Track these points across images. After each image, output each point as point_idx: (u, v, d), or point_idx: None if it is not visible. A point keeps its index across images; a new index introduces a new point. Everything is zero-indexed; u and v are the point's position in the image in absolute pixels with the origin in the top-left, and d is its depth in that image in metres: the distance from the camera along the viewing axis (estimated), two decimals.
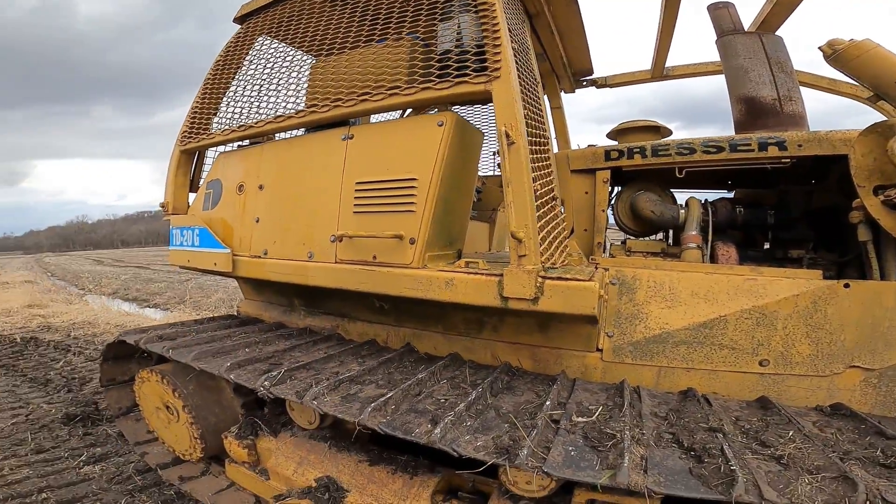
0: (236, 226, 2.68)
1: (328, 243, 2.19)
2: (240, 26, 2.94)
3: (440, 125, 1.92)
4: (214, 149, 3.03)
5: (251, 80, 2.73)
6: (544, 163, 1.97)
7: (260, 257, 2.49)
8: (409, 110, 2.95)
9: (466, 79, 1.83)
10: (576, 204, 2.50)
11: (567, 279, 1.59)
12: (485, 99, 1.83)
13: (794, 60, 2.51)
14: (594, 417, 1.50)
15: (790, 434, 1.41)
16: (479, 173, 3.64)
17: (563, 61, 3.27)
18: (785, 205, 2.33)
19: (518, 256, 1.64)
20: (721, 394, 1.81)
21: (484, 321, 2.15)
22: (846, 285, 1.75)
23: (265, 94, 2.61)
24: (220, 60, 2.94)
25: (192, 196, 3.12)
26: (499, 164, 4.17)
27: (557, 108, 3.82)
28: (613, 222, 2.57)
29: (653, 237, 2.56)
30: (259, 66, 2.71)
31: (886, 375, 1.69)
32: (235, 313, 3.38)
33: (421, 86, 1.94)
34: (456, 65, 1.87)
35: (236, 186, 2.69)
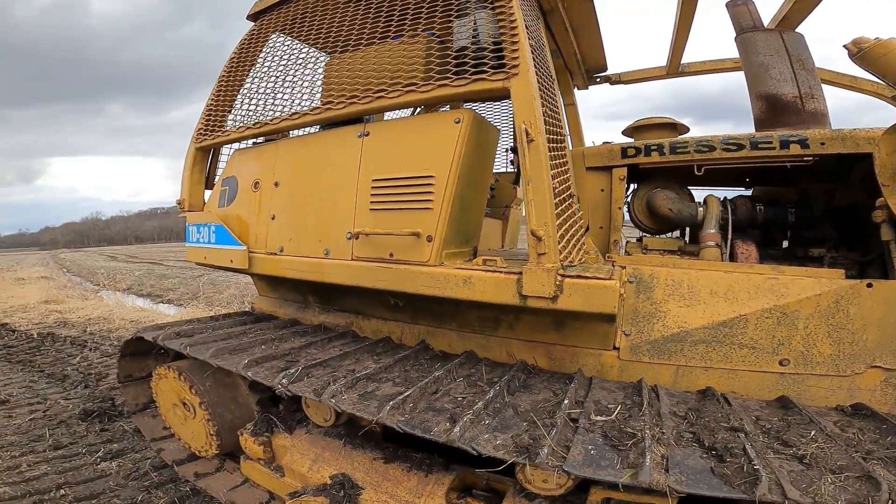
0: (252, 223, 2.69)
1: (344, 241, 2.19)
2: (253, 23, 2.95)
3: (457, 122, 1.91)
4: (229, 146, 3.05)
5: (265, 78, 2.74)
6: (561, 160, 1.95)
7: (276, 254, 2.50)
8: (419, 108, 2.95)
9: (484, 76, 1.82)
10: (591, 201, 2.49)
11: (587, 277, 1.58)
12: (500, 96, 1.82)
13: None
14: (613, 416, 1.49)
15: (812, 434, 1.39)
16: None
17: (577, 58, 3.25)
18: (806, 203, 2.30)
19: (537, 254, 1.64)
20: (740, 393, 1.79)
21: (500, 319, 2.14)
22: (869, 285, 1.72)
23: (279, 92, 2.62)
24: (233, 58, 2.95)
25: (207, 193, 3.14)
26: (511, 161, 4.15)
27: (571, 105, 3.79)
28: (628, 220, 2.55)
29: (669, 235, 2.54)
30: (273, 63, 2.72)
31: None
32: (250, 310, 3.41)
33: (438, 83, 1.94)
34: (473, 62, 1.86)
35: (252, 183, 2.70)
